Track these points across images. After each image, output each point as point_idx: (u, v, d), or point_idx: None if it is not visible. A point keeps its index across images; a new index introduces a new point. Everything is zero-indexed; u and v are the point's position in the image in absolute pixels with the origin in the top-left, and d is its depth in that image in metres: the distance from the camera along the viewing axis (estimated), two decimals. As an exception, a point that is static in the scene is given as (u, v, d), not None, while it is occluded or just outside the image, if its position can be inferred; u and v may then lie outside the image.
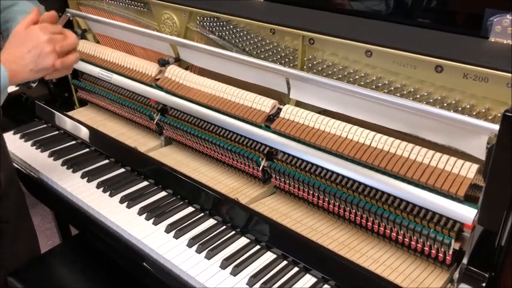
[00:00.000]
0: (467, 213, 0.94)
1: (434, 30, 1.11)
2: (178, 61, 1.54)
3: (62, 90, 1.91)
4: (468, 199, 0.95)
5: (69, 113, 1.81)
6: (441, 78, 1.02)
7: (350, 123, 1.14)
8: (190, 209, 1.27)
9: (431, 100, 1.04)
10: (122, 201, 1.30)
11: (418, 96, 1.06)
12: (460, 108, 1.00)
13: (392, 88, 1.10)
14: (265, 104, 1.27)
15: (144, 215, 1.25)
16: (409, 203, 1.03)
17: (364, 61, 1.14)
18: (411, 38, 1.10)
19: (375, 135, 1.09)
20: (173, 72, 1.48)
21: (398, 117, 1.08)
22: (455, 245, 0.99)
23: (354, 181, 1.11)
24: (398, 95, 1.09)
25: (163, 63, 1.52)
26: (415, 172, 1.00)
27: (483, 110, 0.98)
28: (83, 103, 1.91)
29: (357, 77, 1.16)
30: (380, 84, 1.12)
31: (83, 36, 1.86)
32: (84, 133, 1.63)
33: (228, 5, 1.41)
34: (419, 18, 1.27)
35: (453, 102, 1.01)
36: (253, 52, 1.36)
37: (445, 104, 1.02)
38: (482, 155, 0.95)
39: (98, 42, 1.87)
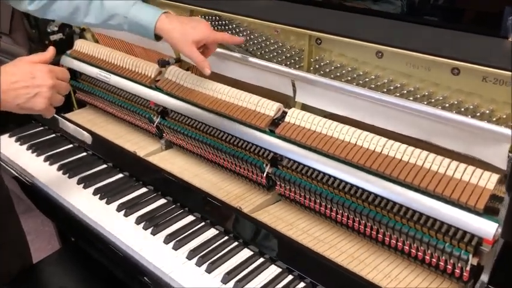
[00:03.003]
0: (487, 228, 0.87)
1: (450, 30, 1.04)
2: (179, 62, 1.48)
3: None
4: (488, 211, 0.89)
5: (67, 115, 1.76)
6: (458, 81, 0.95)
7: (359, 128, 1.08)
8: (190, 218, 1.21)
9: (447, 104, 0.98)
10: (119, 209, 1.24)
11: (433, 100, 0.99)
12: (478, 114, 0.94)
13: (405, 91, 1.03)
14: (270, 108, 1.21)
15: (142, 224, 1.19)
16: (422, 214, 0.96)
17: (375, 62, 1.07)
18: (425, 38, 1.03)
19: (386, 141, 1.02)
20: (173, 73, 1.42)
21: (411, 122, 1.02)
22: (473, 261, 0.92)
23: (364, 190, 1.04)
24: (411, 98, 1.03)
25: (163, 63, 1.45)
26: (429, 182, 0.94)
27: (504, 116, 0.91)
28: (82, 104, 1.85)
29: (367, 79, 1.09)
30: (392, 87, 1.05)
31: (81, 35, 1.81)
32: (81, 136, 1.57)
33: (231, 3, 1.35)
34: (432, 16, 1.19)
35: (471, 107, 0.95)
36: (256, 53, 1.30)
37: (462, 109, 0.96)
38: (503, 164, 0.88)
39: (97, 41, 1.81)
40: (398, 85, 1.04)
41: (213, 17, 1.37)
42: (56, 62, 1.79)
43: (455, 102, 0.97)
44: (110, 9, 1.22)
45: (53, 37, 1.81)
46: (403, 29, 1.10)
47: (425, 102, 1.00)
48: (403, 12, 1.28)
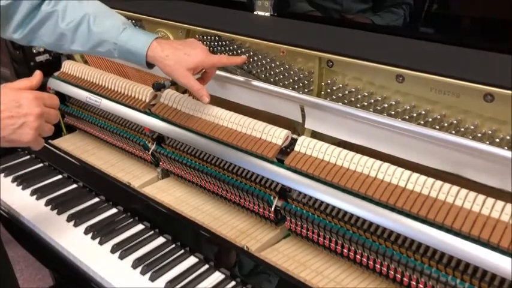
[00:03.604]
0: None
1: (480, 50, 0.94)
2: (175, 84, 1.37)
3: (48, 114, 1.74)
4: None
5: (56, 141, 1.65)
6: (491, 109, 0.85)
7: (377, 158, 0.97)
8: (192, 260, 1.10)
9: (479, 134, 0.88)
10: (113, 251, 1.13)
11: (462, 129, 0.89)
12: (514, 145, 0.84)
13: (430, 119, 0.93)
14: (277, 135, 1.11)
15: (140, 269, 1.07)
16: (452, 257, 0.86)
17: (394, 87, 0.97)
18: (452, 59, 0.94)
19: (410, 175, 0.92)
20: (169, 97, 1.31)
21: (437, 153, 0.92)
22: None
23: (385, 229, 0.94)
24: (437, 127, 0.93)
25: (158, 87, 1.34)
26: (463, 223, 0.83)
27: (544, 148, 0.82)
28: (71, 129, 1.74)
29: (386, 105, 0.99)
30: (414, 114, 0.95)
31: (69, 56, 1.70)
32: (70, 166, 1.45)
33: (231, 21, 1.25)
34: (460, 35, 1.08)
35: (507, 137, 0.85)
36: (260, 75, 1.20)
37: (497, 140, 0.86)
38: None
39: (86, 62, 1.70)
40: (423, 112, 0.94)
41: (212, 37, 1.27)
42: (42, 84, 1.69)
43: (489, 132, 0.87)
44: (98, 36, 1.12)
45: (39, 58, 1.71)
46: (426, 49, 1.00)
47: (453, 132, 0.90)
48: (423, 28, 1.19)
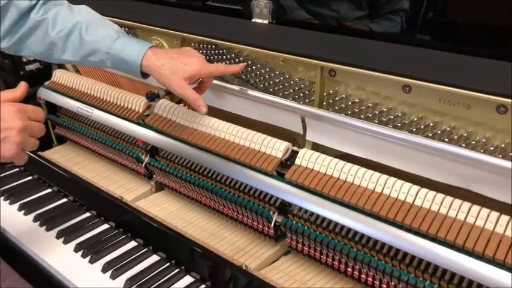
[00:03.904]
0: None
1: (490, 59, 0.90)
2: (170, 94, 1.32)
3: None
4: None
5: (46, 153, 1.59)
6: (504, 121, 0.81)
7: (383, 173, 0.93)
8: (188, 280, 1.04)
9: (491, 147, 0.83)
10: (104, 270, 1.07)
11: (473, 142, 0.85)
12: (530, 158, 0.80)
13: (439, 131, 0.89)
14: (277, 148, 1.06)
15: (133, 289, 1.02)
16: (463, 277, 0.81)
17: (401, 97, 0.93)
18: (461, 67, 0.90)
19: (418, 190, 0.87)
20: (164, 107, 1.26)
21: (446, 167, 0.87)
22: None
23: (391, 247, 0.89)
24: (446, 139, 0.88)
25: (152, 97, 1.28)
26: (476, 242, 0.79)
27: None
28: (62, 140, 1.68)
29: (391, 116, 0.95)
30: (422, 126, 0.91)
31: (60, 65, 1.64)
32: (60, 179, 1.40)
33: (228, 29, 1.21)
34: (470, 43, 1.04)
35: (522, 151, 0.80)
36: (259, 85, 1.15)
37: (510, 153, 0.81)
38: None
39: (77, 71, 1.65)
40: (431, 124, 0.90)
41: (209, 46, 1.22)
42: (32, 94, 1.64)
43: (502, 145, 0.82)
44: (90, 45, 1.07)
45: (29, 67, 1.66)
46: (433, 57, 0.96)
47: (464, 144, 0.86)
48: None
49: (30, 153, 1.47)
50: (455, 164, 0.86)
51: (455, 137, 0.87)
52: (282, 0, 1.57)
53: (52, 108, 1.61)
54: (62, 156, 1.58)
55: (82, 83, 1.49)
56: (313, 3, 1.78)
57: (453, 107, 0.86)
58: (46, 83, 1.60)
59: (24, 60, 1.64)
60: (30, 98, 1.74)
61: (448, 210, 0.83)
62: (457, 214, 0.82)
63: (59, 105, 1.55)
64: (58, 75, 1.57)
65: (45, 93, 1.59)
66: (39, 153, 1.56)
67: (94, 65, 1.13)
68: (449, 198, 0.84)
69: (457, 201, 0.83)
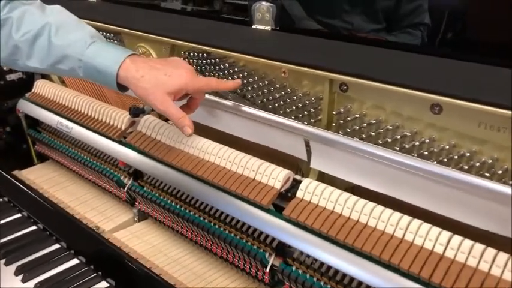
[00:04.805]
0: None
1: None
2: (157, 109, 1.16)
3: (19, 140, 1.53)
4: None
5: (24, 171, 1.44)
6: None
7: (404, 212, 0.74)
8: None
9: (547, 187, 0.64)
10: (64, 318, 0.89)
11: (523, 178, 0.66)
12: None
13: (477, 163, 0.70)
14: (275, 177, 0.88)
15: None
16: None
17: (428, 119, 0.75)
18: (504, 84, 0.71)
19: (449, 238, 0.68)
20: (148, 124, 1.09)
21: (487, 209, 0.68)
22: None
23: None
24: (486, 174, 0.69)
25: (135, 112, 1.13)
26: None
27: None
28: (44, 158, 1.52)
29: (417, 142, 0.76)
30: (455, 156, 0.72)
31: (44, 75, 1.49)
32: (32, 203, 1.23)
33: (224, 36, 1.04)
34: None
35: None
36: (257, 100, 0.98)
37: None
38: None
39: (63, 82, 1.50)
40: (467, 153, 0.71)
41: (200, 54, 1.05)
42: (13, 106, 1.50)
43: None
44: (59, 50, 0.91)
45: (10, 76, 1.51)
46: (466, 71, 0.78)
47: (510, 181, 0.67)
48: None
49: (1, 172, 1.33)
50: (497, 205, 0.67)
51: (500, 171, 0.68)
52: (290, 10, 1.41)
53: (33, 123, 1.45)
54: (41, 175, 1.42)
55: (64, 95, 1.33)
56: (324, 13, 1.62)
57: (497, 133, 0.67)
58: (27, 95, 1.45)
59: (6, 68, 1.49)
60: (10, 111, 1.62)
61: (490, 267, 0.64)
62: (502, 273, 0.63)
63: (38, 119, 1.39)
64: (40, 86, 1.42)
65: (25, 106, 1.43)
66: (15, 172, 1.41)
67: (65, 74, 0.97)
68: (492, 251, 0.65)
69: (503, 255, 0.64)
